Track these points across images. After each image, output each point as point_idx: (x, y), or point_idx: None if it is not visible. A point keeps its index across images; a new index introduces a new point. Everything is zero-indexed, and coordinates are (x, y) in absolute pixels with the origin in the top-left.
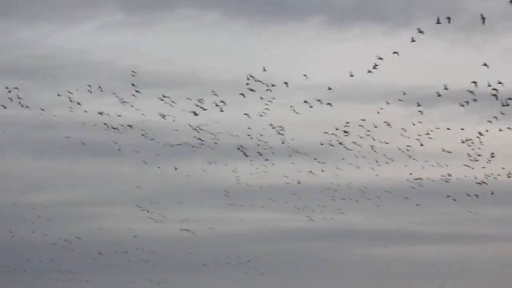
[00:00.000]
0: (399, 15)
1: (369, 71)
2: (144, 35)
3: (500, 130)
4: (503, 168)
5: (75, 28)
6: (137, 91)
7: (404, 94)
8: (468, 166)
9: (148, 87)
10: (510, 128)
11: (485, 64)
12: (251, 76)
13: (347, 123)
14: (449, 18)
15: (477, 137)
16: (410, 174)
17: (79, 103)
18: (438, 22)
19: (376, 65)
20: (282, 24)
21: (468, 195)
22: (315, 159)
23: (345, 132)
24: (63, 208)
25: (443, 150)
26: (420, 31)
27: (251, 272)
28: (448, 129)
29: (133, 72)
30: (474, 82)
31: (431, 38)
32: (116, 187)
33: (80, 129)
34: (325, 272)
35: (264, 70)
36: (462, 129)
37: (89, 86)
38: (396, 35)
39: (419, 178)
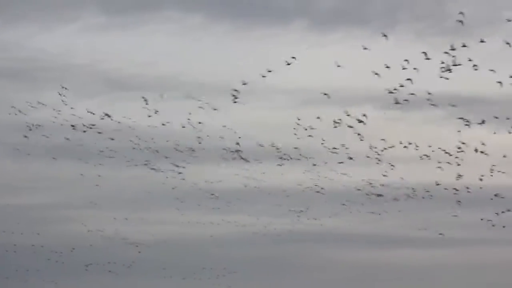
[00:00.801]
0: (382, 19)
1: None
2: (127, 38)
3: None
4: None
5: (58, 30)
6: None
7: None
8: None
9: (132, 90)
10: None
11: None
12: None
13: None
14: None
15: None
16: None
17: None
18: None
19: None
20: (266, 27)
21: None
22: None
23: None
24: (42, 211)
25: (425, 154)
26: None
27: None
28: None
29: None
30: None
31: (413, 41)
32: (97, 190)
33: (61, 132)
34: (306, 276)
35: (244, 84)
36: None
37: (63, 88)
38: (380, 39)
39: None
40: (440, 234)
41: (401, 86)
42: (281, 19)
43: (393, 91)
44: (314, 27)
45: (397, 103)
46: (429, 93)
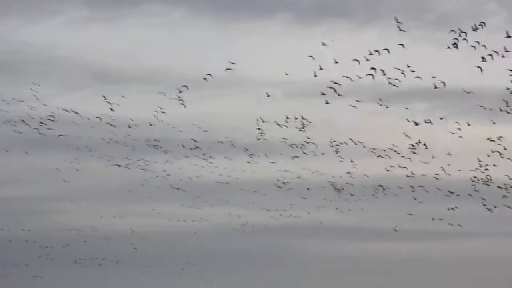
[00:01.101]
0: (365, 12)
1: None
2: (110, 31)
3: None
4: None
5: (42, 24)
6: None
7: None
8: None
9: (115, 82)
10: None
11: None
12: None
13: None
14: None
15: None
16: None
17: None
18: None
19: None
20: (248, 21)
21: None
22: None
23: (302, 127)
24: (25, 203)
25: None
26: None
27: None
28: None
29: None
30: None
31: (396, 35)
32: (79, 183)
33: (44, 125)
34: (291, 270)
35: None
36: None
37: (34, 84)
38: (363, 32)
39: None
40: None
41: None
42: (265, 13)
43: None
44: (298, 20)
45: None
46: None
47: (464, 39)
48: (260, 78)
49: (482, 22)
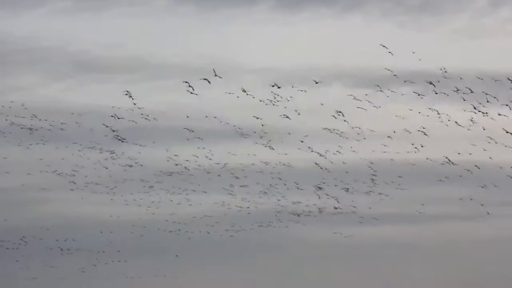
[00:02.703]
0: None
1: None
2: (94, 21)
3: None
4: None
5: (26, 14)
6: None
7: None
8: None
9: (99, 71)
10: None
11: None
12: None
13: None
14: None
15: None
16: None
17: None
18: None
19: None
20: (231, 8)
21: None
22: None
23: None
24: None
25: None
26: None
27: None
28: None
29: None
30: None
31: (380, 20)
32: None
33: (30, 115)
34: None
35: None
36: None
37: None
38: (346, 18)
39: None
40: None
41: None
42: (247, 0)
43: None
44: (281, 7)
45: None
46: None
47: None
48: (243, 65)
49: None
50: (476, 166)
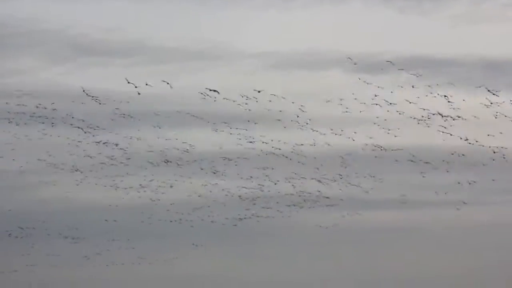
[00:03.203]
0: None
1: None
2: (94, 4)
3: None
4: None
5: None
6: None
7: (352, 60)
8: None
9: (99, 55)
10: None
11: None
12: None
13: None
14: None
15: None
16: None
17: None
18: None
19: None
20: None
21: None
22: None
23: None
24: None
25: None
26: None
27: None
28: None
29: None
30: None
31: (380, 5)
32: (66, 155)
33: (30, 98)
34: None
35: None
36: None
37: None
38: (345, 3)
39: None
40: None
41: None
42: None
43: None
44: None
45: None
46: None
47: None
48: (242, 50)
49: None
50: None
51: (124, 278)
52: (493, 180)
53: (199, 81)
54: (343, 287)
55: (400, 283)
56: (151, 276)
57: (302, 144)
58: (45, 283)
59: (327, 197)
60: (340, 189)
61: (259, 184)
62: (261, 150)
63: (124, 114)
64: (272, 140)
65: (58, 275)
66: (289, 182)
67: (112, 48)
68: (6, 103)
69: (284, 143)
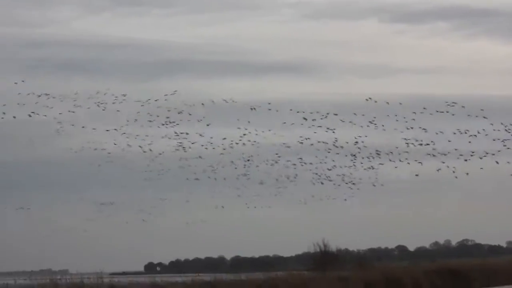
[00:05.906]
0: None
1: None
2: None
3: None
4: None
5: None
6: None
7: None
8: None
9: (135, 5)
10: None
11: None
12: None
13: None
14: None
15: None
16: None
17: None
18: None
19: None
20: None
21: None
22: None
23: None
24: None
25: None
26: None
27: None
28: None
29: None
30: None
31: None
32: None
33: (69, 48)
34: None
35: None
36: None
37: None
38: None
39: None
40: None
41: None
42: None
43: None
44: None
45: None
46: None
47: None
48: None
49: None
50: None
51: None
52: None
53: (238, 31)
54: None
55: None
56: None
57: None
58: None
59: None
60: None
61: None
62: None
63: (158, 64)
64: None
65: None
66: None
67: None
68: (44, 52)
69: None
